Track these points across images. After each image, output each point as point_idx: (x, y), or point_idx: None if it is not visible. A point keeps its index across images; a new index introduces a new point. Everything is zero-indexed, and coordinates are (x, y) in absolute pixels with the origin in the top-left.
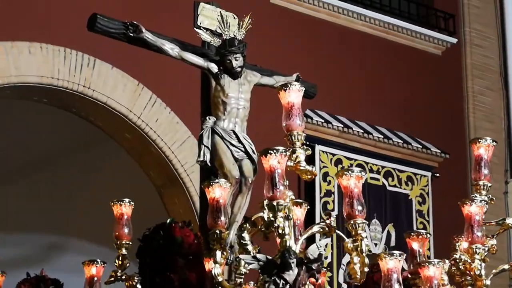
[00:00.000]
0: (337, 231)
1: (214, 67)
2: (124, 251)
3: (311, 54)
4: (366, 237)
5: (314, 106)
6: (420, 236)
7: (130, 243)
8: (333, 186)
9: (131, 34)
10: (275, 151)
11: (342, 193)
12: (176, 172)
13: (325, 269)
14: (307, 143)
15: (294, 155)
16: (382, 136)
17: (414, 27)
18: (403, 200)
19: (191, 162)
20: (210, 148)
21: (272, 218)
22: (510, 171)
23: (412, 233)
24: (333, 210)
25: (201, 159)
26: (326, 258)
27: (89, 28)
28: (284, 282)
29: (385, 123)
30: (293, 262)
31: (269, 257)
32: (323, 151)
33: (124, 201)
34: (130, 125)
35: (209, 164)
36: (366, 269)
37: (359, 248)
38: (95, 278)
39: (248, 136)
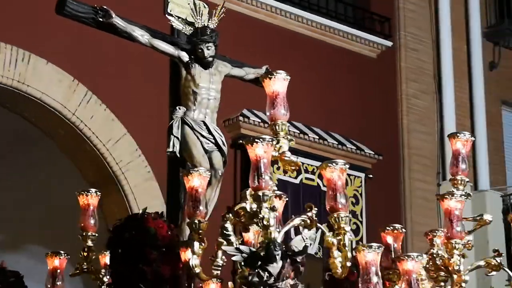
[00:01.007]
0: (319, 224)
1: (185, 56)
2: (89, 243)
3: (247, 52)
4: (349, 231)
5: (250, 106)
6: (395, 231)
7: (96, 234)
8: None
9: (101, 19)
10: (261, 140)
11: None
12: (111, 170)
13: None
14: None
15: (278, 145)
16: (318, 137)
17: (350, 30)
18: None
19: (126, 160)
20: (179, 138)
21: (256, 209)
22: (442, 174)
23: (387, 228)
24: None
25: (171, 149)
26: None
27: (57, 11)
28: (268, 274)
29: (321, 124)
30: (278, 255)
31: (253, 249)
32: None
33: (91, 192)
34: (64, 121)
35: (178, 155)
36: (348, 264)
37: (342, 242)
38: (58, 270)
39: (218, 128)
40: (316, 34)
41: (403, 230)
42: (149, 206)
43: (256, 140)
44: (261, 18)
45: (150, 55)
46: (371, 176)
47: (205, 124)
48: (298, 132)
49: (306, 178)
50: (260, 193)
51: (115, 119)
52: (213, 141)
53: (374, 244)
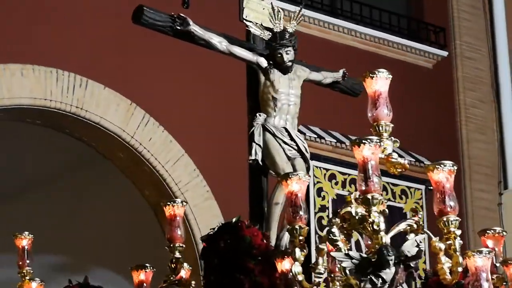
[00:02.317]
0: (426, 230)
1: (263, 62)
2: (177, 254)
3: None
4: (459, 235)
5: (306, 122)
6: (496, 234)
7: (184, 246)
8: (327, 201)
9: (178, 27)
10: (369, 140)
11: (337, 207)
12: (171, 191)
13: None
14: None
15: (382, 147)
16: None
17: (405, 41)
18: (398, 214)
19: (185, 181)
20: (261, 146)
21: (364, 213)
22: (503, 182)
23: (488, 231)
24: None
25: (253, 157)
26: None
27: (134, 20)
28: (382, 281)
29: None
30: (391, 260)
31: (363, 255)
32: (316, 167)
33: (177, 202)
34: (124, 144)
35: (260, 163)
36: (459, 269)
37: (452, 247)
38: (144, 284)
39: (300, 134)
40: (371, 48)
41: (504, 233)
42: (210, 225)
43: (363, 141)
44: (314, 34)
45: (205, 76)
46: (431, 188)
47: (286, 130)
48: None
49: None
50: (369, 196)
51: (173, 140)
52: (295, 147)
53: (484, 249)
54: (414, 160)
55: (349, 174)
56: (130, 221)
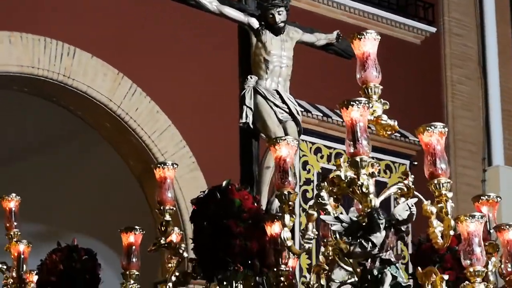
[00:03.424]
0: (416, 192)
1: (255, 22)
2: (167, 217)
3: None
4: (451, 198)
5: (293, 95)
6: (491, 200)
7: (174, 208)
8: (313, 175)
9: None
10: (357, 102)
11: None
12: (156, 161)
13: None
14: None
15: (372, 109)
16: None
17: (393, 16)
18: (382, 189)
19: (171, 151)
20: (252, 109)
21: (353, 176)
22: (488, 159)
23: (482, 197)
24: (311, 198)
25: (244, 120)
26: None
27: None
28: (371, 245)
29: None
30: (382, 223)
31: (353, 218)
32: (302, 140)
33: (167, 164)
34: (110, 114)
35: (251, 126)
36: (451, 233)
37: (443, 210)
38: (133, 247)
39: (291, 96)
40: (359, 22)
41: (499, 198)
42: (194, 196)
43: (351, 103)
44: (303, 7)
45: (192, 47)
46: (416, 163)
47: (278, 93)
48: (341, 120)
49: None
50: (357, 158)
51: (159, 110)
52: (287, 110)
53: (477, 214)
54: (399, 135)
55: (335, 148)
56: (115, 191)
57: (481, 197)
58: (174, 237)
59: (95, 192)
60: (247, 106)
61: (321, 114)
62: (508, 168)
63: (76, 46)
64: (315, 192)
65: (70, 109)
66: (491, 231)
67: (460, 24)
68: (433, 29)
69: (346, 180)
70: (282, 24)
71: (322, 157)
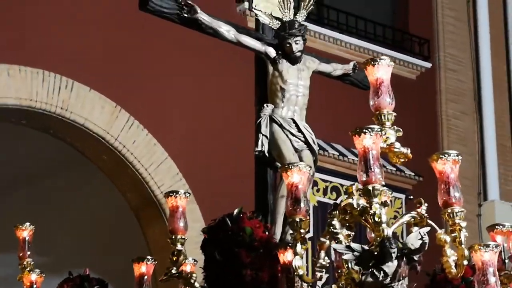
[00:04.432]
0: (429, 221)
1: (272, 51)
2: (179, 247)
3: None
4: (464, 227)
5: (325, 139)
6: (505, 230)
7: (186, 238)
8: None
9: (185, 15)
10: (369, 130)
11: (318, 215)
12: (153, 194)
13: None
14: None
15: (385, 136)
16: (357, 159)
17: (389, 52)
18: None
19: (167, 184)
20: (268, 137)
21: (365, 204)
22: (483, 194)
23: (497, 226)
24: (308, 231)
25: (259, 149)
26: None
27: (141, 7)
28: (383, 274)
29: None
30: (394, 253)
31: (365, 247)
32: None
33: (179, 193)
34: (107, 146)
35: (267, 154)
36: (465, 262)
37: (457, 240)
38: (145, 277)
39: (308, 125)
40: (355, 57)
41: None
42: (190, 228)
43: (364, 130)
44: None
45: (190, 80)
46: (411, 197)
47: (294, 121)
48: (338, 154)
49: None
50: (370, 187)
51: (156, 143)
52: (303, 139)
53: (492, 243)
54: (395, 169)
55: (331, 182)
56: (112, 224)
57: (496, 227)
58: (188, 266)
59: (92, 225)
60: (263, 135)
61: (318, 148)
62: (503, 203)
63: (74, 79)
64: (326, 221)
65: (68, 141)
66: (506, 261)
67: (455, 59)
68: (428, 65)
69: (358, 209)
70: (299, 54)
71: (318, 190)
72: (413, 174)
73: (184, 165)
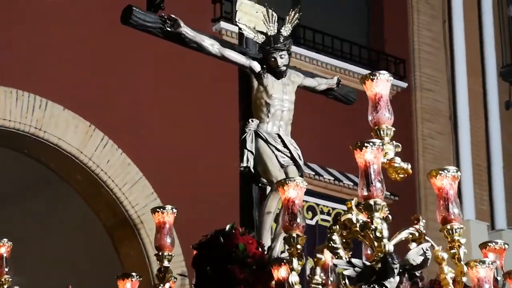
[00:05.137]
0: (427, 237)
1: (256, 66)
2: (166, 263)
3: None
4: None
5: (316, 162)
6: (498, 247)
7: (173, 254)
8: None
9: (168, 29)
10: (371, 144)
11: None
12: (127, 214)
13: None
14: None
15: (383, 151)
16: (333, 178)
17: (365, 71)
18: (354, 242)
19: (142, 204)
20: (254, 153)
21: (365, 220)
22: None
23: (489, 243)
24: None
25: (245, 164)
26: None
27: (123, 21)
28: None
29: (336, 165)
30: (396, 268)
31: (367, 263)
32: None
33: (166, 209)
34: (81, 166)
35: (252, 170)
36: (464, 279)
37: (456, 256)
38: None
39: (293, 141)
40: (332, 77)
41: (506, 246)
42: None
43: (365, 144)
44: None
45: (162, 99)
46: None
47: (279, 137)
48: (313, 173)
49: (322, 220)
50: (371, 201)
51: (131, 163)
52: (288, 155)
53: (487, 259)
54: None
55: (307, 201)
56: (86, 243)
57: (489, 244)
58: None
59: (66, 244)
60: (249, 150)
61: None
62: (478, 223)
63: (48, 99)
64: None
65: (42, 161)
66: (499, 278)
67: (431, 79)
68: (404, 84)
69: (358, 224)
70: (284, 68)
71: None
72: (389, 193)
73: (159, 184)
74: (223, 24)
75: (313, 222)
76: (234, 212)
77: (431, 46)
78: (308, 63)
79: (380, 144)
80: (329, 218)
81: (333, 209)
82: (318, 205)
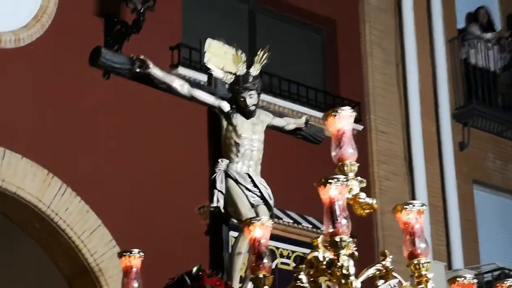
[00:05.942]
0: (394, 273)
1: (225, 106)
2: None
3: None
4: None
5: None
6: (467, 282)
7: None
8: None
9: (137, 70)
10: (335, 180)
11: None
12: (86, 262)
13: None
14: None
15: (348, 187)
16: (292, 221)
17: (320, 115)
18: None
19: (101, 252)
20: (224, 193)
21: (332, 257)
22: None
23: (458, 278)
24: None
25: (215, 204)
26: None
27: (91, 63)
28: None
29: (295, 208)
30: None
31: None
32: (233, 236)
33: (133, 253)
34: (40, 215)
35: (222, 210)
36: None
37: None
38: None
39: (263, 180)
40: None
41: (475, 280)
42: None
43: (329, 180)
44: None
45: (119, 146)
46: None
47: (249, 176)
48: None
49: (282, 263)
50: (337, 238)
51: (89, 210)
52: (258, 194)
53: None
54: (323, 229)
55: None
56: None
57: (457, 279)
58: None
59: None
60: (219, 190)
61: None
62: (436, 263)
63: (6, 147)
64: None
65: (0, 210)
66: None
67: (385, 121)
68: (359, 127)
69: (324, 262)
70: (253, 108)
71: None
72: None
73: (118, 232)
74: (181, 70)
75: (272, 266)
76: (203, 254)
77: (385, 90)
78: (266, 106)
79: (345, 180)
80: (289, 261)
81: (293, 252)
82: (277, 248)
